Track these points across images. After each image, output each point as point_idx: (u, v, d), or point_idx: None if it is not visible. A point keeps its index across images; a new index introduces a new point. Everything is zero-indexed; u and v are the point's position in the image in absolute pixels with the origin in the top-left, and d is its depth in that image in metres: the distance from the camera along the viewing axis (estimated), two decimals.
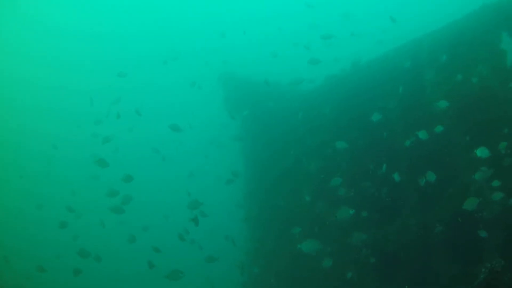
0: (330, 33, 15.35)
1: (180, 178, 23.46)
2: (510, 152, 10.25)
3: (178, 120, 15.13)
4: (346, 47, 22.04)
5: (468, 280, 9.49)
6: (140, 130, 28.09)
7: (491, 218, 9.98)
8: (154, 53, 34.94)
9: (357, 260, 12.15)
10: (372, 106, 12.74)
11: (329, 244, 12.42)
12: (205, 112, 28.47)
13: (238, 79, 17.66)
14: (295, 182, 14.73)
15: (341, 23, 28.56)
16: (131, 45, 39.42)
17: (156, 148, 22.04)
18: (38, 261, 19.70)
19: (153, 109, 29.54)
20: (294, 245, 13.38)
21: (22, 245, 27.03)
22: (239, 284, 15.91)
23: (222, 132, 21.80)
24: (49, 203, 26.67)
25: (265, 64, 21.94)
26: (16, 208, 30.33)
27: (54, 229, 16.83)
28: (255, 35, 32.86)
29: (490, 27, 11.22)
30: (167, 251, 18.69)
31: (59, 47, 39.41)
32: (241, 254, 16.03)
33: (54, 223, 16.40)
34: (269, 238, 15.07)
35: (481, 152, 9.84)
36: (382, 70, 13.12)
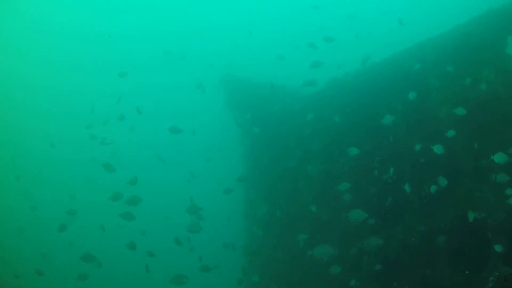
0: (332, 36, 15.38)
1: (181, 181, 23.57)
2: None
3: (180, 123, 15.25)
4: (352, 50, 22.17)
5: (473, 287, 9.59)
6: (140, 132, 28.27)
7: (495, 225, 10.06)
8: (157, 54, 35.19)
9: (360, 267, 12.22)
10: (379, 110, 12.87)
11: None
12: (208, 115, 28.60)
13: (240, 81, 17.77)
14: (297, 186, 14.83)
15: (347, 25, 28.73)
16: (133, 46, 39.68)
17: (158, 153, 22.16)
18: (36, 264, 19.88)
19: (154, 111, 29.71)
20: (298, 251, 13.54)
21: (20, 248, 27.21)
22: None
23: (225, 135, 21.92)
24: (46, 205, 26.88)
25: (270, 66, 22.10)
26: (13, 210, 30.51)
27: (53, 232, 16.92)
28: (260, 37, 33.04)
29: (496, 31, 11.34)
30: (167, 256, 18.82)
31: (59, 47, 39.77)
32: (241, 260, 16.09)
33: (53, 226, 16.50)
34: (270, 244, 15.14)
35: (499, 157, 9.86)
36: (388, 73, 13.24)
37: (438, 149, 11.02)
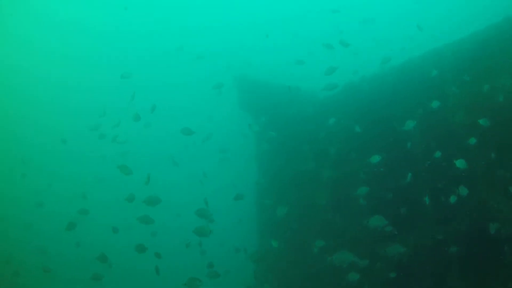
0: (349, 41, 15.49)
1: (194, 182, 23.75)
2: None
3: (194, 123, 15.39)
4: (369, 54, 22.27)
5: None
6: (153, 131, 28.52)
7: (509, 235, 10.13)
8: (172, 53, 35.58)
9: (374, 274, 12.31)
10: (396, 115, 12.99)
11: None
12: (223, 115, 28.78)
13: (254, 83, 17.85)
14: (311, 191, 14.92)
15: (365, 29, 28.82)
16: (147, 45, 40.08)
17: (172, 156, 22.30)
18: (36, 261, 20.13)
19: (168, 110, 29.92)
20: (311, 257, 13.64)
21: (25, 245, 27.55)
22: None
23: (239, 137, 22.05)
24: (55, 202, 27.21)
25: (286, 69, 22.22)
26: (21, 207, 30.88)
27: (61, 230, 17.15)
28: (276, 40, 33.26)
29: None
30: (179, 257, 18.93)
31: (71, 43, 40.27)
32: (253, 264, 16.18)
33: (61, 223, 16.71)
34: (282, 250, 15.20)
35: None
36: (405, 78, 13.35)
37: (461, 164, 11.03)
